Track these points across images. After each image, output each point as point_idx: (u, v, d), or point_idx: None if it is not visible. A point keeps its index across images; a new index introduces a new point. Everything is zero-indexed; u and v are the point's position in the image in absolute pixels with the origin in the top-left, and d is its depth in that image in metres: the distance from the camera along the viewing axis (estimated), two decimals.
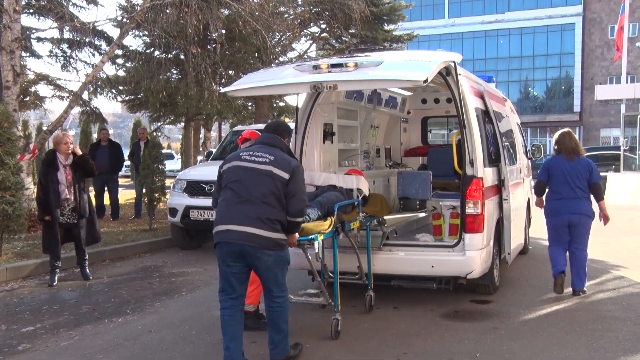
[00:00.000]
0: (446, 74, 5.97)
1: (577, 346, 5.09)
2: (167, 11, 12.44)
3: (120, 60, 16.76)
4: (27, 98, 14.56)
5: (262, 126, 7.07)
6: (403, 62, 5.88)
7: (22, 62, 12.56)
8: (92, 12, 15.33)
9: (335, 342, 5.24)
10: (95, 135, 23.73)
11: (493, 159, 6.67)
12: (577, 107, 49.55)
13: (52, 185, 7.48)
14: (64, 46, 14.33)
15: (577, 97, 49.53)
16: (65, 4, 13.11)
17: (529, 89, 52.83)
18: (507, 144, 7.72)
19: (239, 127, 13.29)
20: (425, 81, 4.97)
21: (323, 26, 19.54)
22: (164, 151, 12.60)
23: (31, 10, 13.29)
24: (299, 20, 17.79)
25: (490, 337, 5.36)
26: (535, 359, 4.84)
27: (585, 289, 6.80)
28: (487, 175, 6.24)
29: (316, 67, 5.59)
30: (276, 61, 17.04)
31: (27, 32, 13.47)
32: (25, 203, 10.58)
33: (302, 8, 17.58)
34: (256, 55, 16.08)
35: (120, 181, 15.17)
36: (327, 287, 5.74)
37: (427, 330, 5.57)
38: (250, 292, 5.48)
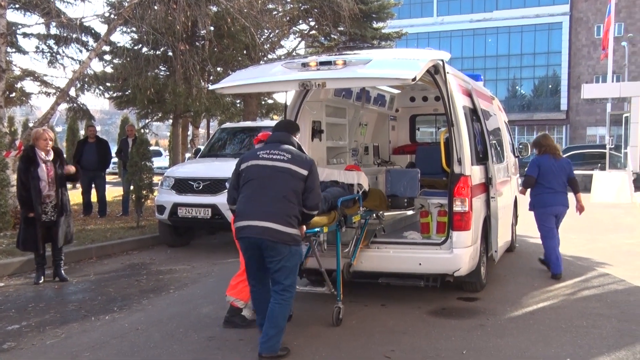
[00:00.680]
0: (434, 72, 5.99)
1: (563, 343, 5.14)
2: (155, 7, 12.37)
3: (107, 57, 16.64)
4: (13, 94, 14.41)
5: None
6: (391, 60, 5.89)
7: (7, 58, 12.41)
8: (79, 7, 15.26)
9: (322, 339, 5.25)
10: (82, 132, 23.57)
11: (481, 157, 6.71)
12: (564, 106, 49.90)
13: (33, 181, 7.35)
14: (51, 42, 14.19)
15: (564, 96, 49.87)
16: None
17: (517, 87, 53.12)
18: (495, 142, 7.76)
19: (227, 125, 13.27)
20: (414, 79, 4.99)
21: (312, 23, 19.52)
22: (151, 148, 12.55)
23: (17, 6, 13.13)
24: (287, 18, 17.76)
25: (477, 334, 5.39)
26: (522, 355, 4.88)
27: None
28: (475, 173, 6.27)
29: (305, 65, 5.58)
30: (265, 58, 17.00)
31: (13, 28, 13.32)
32: (10, 200, 10.49)
33: (291, 5, 17.57)
34: (245, 52, 16.04)
35: (108, 178, 15.07)
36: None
37: (414, 328, 5.59)
38: (244, 287, 5.56)
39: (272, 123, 12.86)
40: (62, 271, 7.74)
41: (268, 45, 18.01)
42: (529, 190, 7.99)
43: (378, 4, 20.56)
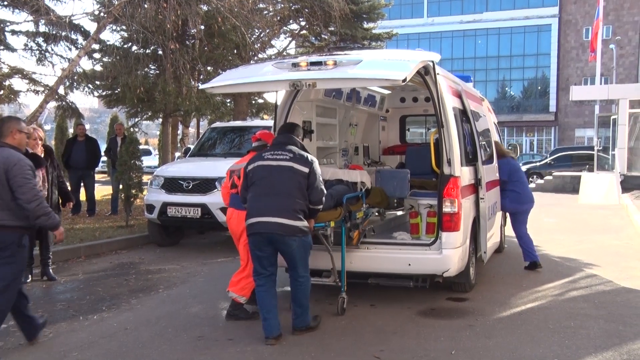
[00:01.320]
0: (425, 73, 6.00)
1: (550, 343, 5.17)
2: (145, 6, 12.31)
3: (97, 55, 16.52)
4: (1, 92, 14.29)
5: (270, 123, 7.83)
6: (382, 61, 5.90)
7: None
8: (68, 5, 15.15)
9: (312, 339, 5.26)
10: (71, 131, 23.43)
11: (470, 158, 6.74)
12: (552, 107, 50.25)
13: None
14: (40, 40, 14.08)
15: (553, 98, 50.22)
16: None
17: (506, 88, 53.43)
18: (484, 143, 7.80)
19: (217, 124, 13.23)
20: (404, 80, 5.01)
21: (302, 23, 19.52)
22: (141, 147, 12.49)
23: (5, 3, 13.03)
24: (278, 17, 17.74)
25: (465, 334, 5.42)
26: (510, 356, 4.91)
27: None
28: (464, 174, 6.30)
29: (295, 65, 5.59)
30: (255, 58, 16.98)
31: (1, 25, 13.23)
32: None
33: (282, 5, 17.54)
34: (235, 51, 16.00)
35: (97, 177, 14.99)
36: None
37: (403, 328, 5.61)
38: (246, 284, 5.77)
39: (263, 122, 12.89)
40: (50, 270, 7.69)
41: (258, 45, 17.99)
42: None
43: (369, 4, 20.58)
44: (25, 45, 14.11)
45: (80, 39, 14.23)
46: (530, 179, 27.43)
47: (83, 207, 12.95)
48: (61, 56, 14.15)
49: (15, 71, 13.97)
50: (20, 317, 5.07)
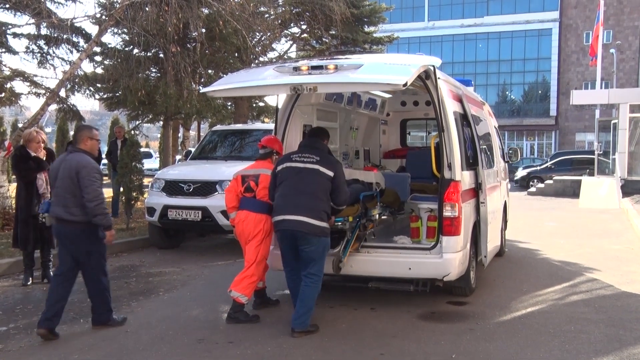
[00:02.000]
0: (425, 77, 6.01)
1: (551, 347, 5.17)
2: (147, 9, 12.33)
3: (98, 58, 16.57)
4: (3, 94, 14.29)
5: (270, 126, 8.35)
6: (383, 65, 5.92)
7: None
8: (70, 8, 15.06)
9: (312, 342, 5.26)
10: (72, 133, 23.43)
11: (471, 162, 6.74)
12: (553, 111, 50.24)
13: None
14: (41, 42, 14.09)
15: (554, 102, 50.21)
16: None
17: (507, 92, 53.43)
18: (485, 147, 7.81)
19: (218, 127, 13.25)
20: (405, 85, 5.03)
21: (303, 27, 19.56)
22: (142, 150, 12.49)
23: (7, 6, 13.04)
24: (279, 21, 17.77)
25: (466, 338, 5.42)
26: (510, 359, 4.92)
27: None
28: (465, 178, 6.31)
29: (296, 69, 5.60)
30: (256, 61, 17.00)
31: (3, 28, 13.24)
32: None
33: (283, 8, 17.57)
34: (236, 55, 16.02)
35: None
36: None
37: (404, 331, 5.61)
38: (249, 284, 5.88)
39: (263, 126, 12.90)
40: (51, 272, 7.68)
41: (259, 48, 18.00)
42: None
43: (370, 8, 20.64)
44: (27, 48, 14.12)
45: (81, 42, 14.24)
46: (531, 183, 27.45)
47: None
48: (62, 59, 14.17)
49: (17, 74, 13.97)
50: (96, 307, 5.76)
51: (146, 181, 11.81)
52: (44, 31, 13.60)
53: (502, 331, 5.64)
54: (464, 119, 6.89)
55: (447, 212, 6.00)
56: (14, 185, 9.09)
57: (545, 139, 51.59)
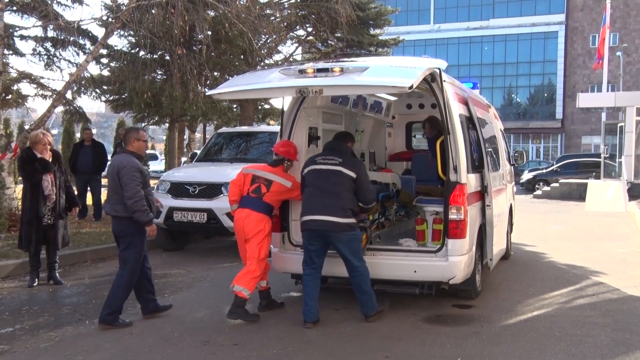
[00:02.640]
0: (431, 80, 6.01)
1: (557, 351, 5.15)
2: (153, 11, 12.37)
3: (104, 60, 16.61)
4: (9, 96, 14.36)
5: (276, 129, 8.88)
6: (389, 68, 5.92)
7: (4, 60, 12.41)
8: (77, 11, 15.23)
9: (317, 345, 5.26)
10: (78, 135, 23.50)
11: (476, 165, 6.73)
12: (559, 114, 50.08)
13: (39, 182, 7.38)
14: (48, 45, 14.14)
15: (560, 105, 50.06)
16: (49, 2, 12.93)
17: (513, 95, 53.28)
18: (491, 150, 7.79)
19: (223, 129, 13.26)
20: (411, 87, 5.03)
21: (309, 29, 19.57)
22: (147, 152, 12.51)
23: (14, 8, 13.10)
24: (285, 23, 17.78)
25: (471, 341, 5.40)
26: None
27: None
28: (471, 181, 6.29)
29: (302, 72, 5.61)
30: (262, 64, 17.02)
31: (10, 30, 13.30)
32: (5, 202, 10.46)
33: (289, 11, 17.59)
34: (242, 57, 16.05)
35: (103, 181, 15.02)
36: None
37: (409, 334, 5.60)
38: (251, 279, 5.98)
39: (269, 128, 12.90)
40: (57, 274, 7.71)
41: (265, 51, 18.03)
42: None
43: (375, 10, 20.63)
44: (34, 50, 14.19)
45: (88, 44, 14.29)
46: (537, 186, 27.36)
47: (89, 212, 12.99)
48: (69, 61, 14.22)
49: (24, 76, 14.03)
50: (141, 297, 6.14)
51: (152, 183, 11.81)
52: (50, 33, 13.67)
53: (507, 334, 5.63)
54: (470, 122, 6.88)
55: (453, 215, 5.99)
56: (20, 186, 9.12)
57: (551, 141, 51.44)
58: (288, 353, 5.04)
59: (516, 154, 10.23)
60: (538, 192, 25.31)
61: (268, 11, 16.57)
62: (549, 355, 5.07)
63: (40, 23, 12.88)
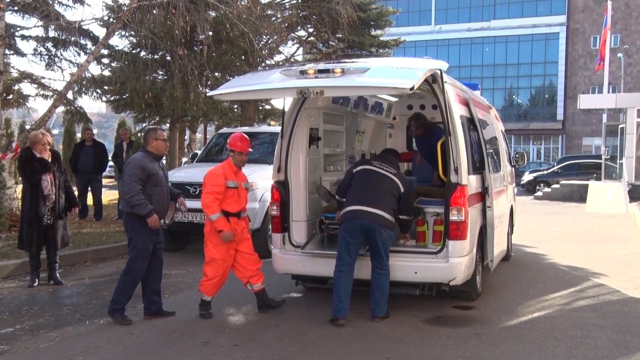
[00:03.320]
0: (432, 81, 6.00)
1: (557, 353, 5.15)
2: (154, 12, 12.37)
3: (105, 60, 16.63)
4: (10, 96, 14.38)
5: (277, 129, 8.70)
6: (390, 69, 5.91)
7: (5, 60, 12.42)
8: (78, 11, 15.26)
9: (318, 346, 5.26)
10: (79, 135, 23.53)
11: (477, 167, 6.72)
12: (560, 116, 50.07)
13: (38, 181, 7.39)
14: (49, 45, 14.14)
15: (560, 106, 50.05)
16: (50, 2, 12.94)
17: (514, 96, 53.28)
18: (491, 151, 7.78)
19: (224, 130, 13.26)
20: (412, 89, 5.02)
21: (310, 30, 19.55)
22: None
23: (16, 8, 13.11)
24: (286, 24, 17.78)
25: (472, 342, 5.40)
26: None
27: None
28: (471, 182, 6.29)
29: (303, 73, 5.61)
30: (263, 64, 17.02)
31: (11, 30, 13.31)
32: (6, 202, 10.47)
33: (290, 12, 17.59)
34: (243, 57, 16.05)
35: (104, 181, 15.06)
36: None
37: (409, 335, 5.60)
38: (259, 273, 6.32)
39: (270, 128, 12.91)
40: (57, 274, 7.70)
41: (266, 51, 18.02)
42: None
43: (376, 11, 20.62)
44: (35, 50, 14.19)
45: (89, 44, 14.29)
46: (538, 187, 27.36)
47: (90, 212, 13.00)
48: (70, 61, 14.22)
49: (25, 76, 14.04)
50: (146, 296, 6.16)
51: None
52: (52, 33, 13.67)
53: (508, 336, 5.62)
54: (471, 123, 6.87)
55: (454, 216, 5.99)
56: (20, 186, 9.12)
57: (552, 143, 51.43)
58: (288, 354, 5.03)
59: (517, 155, 10.22)
60: (539, 193, 25.31)
61: (269, 12, 16.57)
62: (550, 356, 5.06)
63: (41, 23, 12.88)
